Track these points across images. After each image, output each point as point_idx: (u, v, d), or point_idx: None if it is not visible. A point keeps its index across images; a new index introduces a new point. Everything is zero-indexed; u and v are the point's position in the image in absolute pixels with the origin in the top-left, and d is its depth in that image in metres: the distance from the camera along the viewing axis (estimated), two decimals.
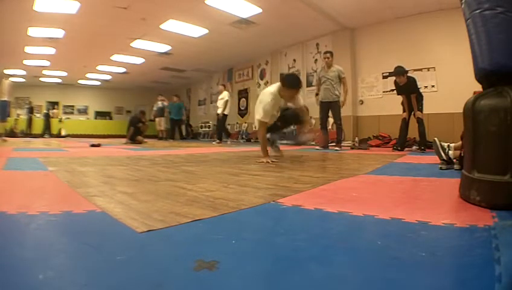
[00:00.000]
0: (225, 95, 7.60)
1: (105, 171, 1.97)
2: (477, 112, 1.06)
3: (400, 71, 4.45)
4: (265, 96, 2.78)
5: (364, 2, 5.76)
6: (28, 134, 12.04)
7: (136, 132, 7.33)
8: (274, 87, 2.86)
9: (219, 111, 7.58)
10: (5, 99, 6.63)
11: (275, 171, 2.03)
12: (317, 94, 5.10)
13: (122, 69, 11.34)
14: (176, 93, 10.27)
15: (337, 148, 4.81)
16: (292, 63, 8.72)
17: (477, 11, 1.08)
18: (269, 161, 2.58)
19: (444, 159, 2.23)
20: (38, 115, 13.09)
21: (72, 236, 0.75)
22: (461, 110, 1.15)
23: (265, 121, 2.77)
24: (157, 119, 9.71)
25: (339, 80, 4.83)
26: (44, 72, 11.24)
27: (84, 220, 0.89)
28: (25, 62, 9.72)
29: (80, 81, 13.54)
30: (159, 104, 9.70)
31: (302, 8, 6.05)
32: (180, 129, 10.75)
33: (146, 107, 12.03)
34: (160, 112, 9.69)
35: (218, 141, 7.59)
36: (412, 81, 4.46)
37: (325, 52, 5.00)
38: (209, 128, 12.18)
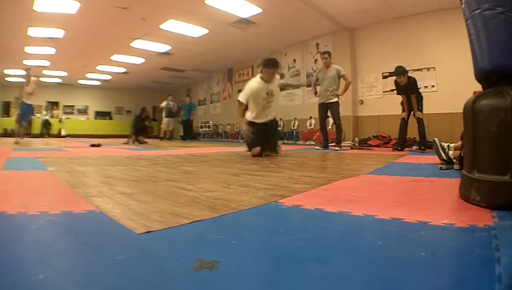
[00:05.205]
0: None
1: (105, 171, 1.96)
2: (477, 112, 1.05)
3: (400, 71, 4.46)
4: (250, 83, 3.38)
5: (364, 2, 5.76)
6: (27, 134, 12.02)
7: (139, 131, 7.28)
8: (257, 76, 3.43)
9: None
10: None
11: (276, 172, 2.02)
12: (315, 93, 5.09)
13: (122, 69, 11.33)
14: (188, 94, 10.61)
15: (337, 148, 4.81)
16: (292, 63, 8.71)
17: (477, 11, 1.08)
18: (247, 128, 3.28)
19: (444, 159, 2.23)
20: (38, 115, 13.07)
21: (73, 236, 0.75)
22: (461, 110, 1.15)
23: (241, 101, 3.26)
24: (165, 119, 9.58)
25: (338, 79, 4.82)
26: (45, 72, 11.23)
27: (85, 220, 0.89)
28: (25, 62, 9.70)
29: (80, 81, 13.53)
30: (170, 104, 9.61)
31: (302, 8, 6.05)
32: (186, 130, 10.56)
33: (146, 107, 12.00)
34: (169, 113, 9.61)
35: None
36: (413, 82, 4.47)
37: (323, 53, 4.96)
38: (209, 128, 12.13)
